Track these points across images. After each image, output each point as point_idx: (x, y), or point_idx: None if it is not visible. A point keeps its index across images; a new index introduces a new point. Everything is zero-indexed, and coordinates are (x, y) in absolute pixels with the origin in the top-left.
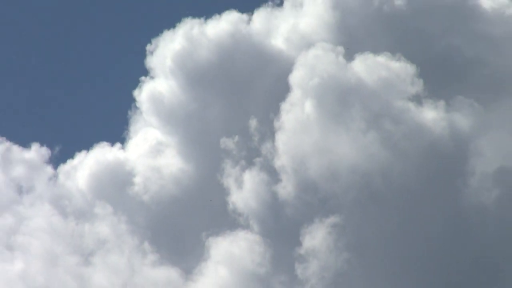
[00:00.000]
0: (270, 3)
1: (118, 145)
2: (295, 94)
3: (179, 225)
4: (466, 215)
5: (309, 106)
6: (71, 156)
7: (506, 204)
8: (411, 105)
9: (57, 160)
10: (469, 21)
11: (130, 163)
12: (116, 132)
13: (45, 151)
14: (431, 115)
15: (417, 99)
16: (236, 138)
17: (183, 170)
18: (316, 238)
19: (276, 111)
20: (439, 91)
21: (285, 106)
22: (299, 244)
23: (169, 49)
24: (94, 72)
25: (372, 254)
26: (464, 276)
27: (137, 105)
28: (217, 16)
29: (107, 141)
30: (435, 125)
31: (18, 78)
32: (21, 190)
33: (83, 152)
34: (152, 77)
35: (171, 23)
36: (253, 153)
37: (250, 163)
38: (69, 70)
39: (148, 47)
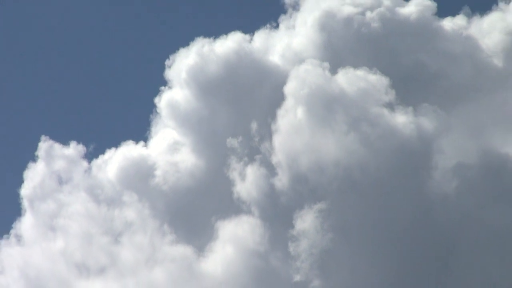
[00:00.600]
0: (268, 25)
1: (141, 143)
2: (289, 102)
3: (192, 210)
4: (430, 201)
5: (300, 112)
6: (102, 152)
7: (463, 193)
8: (385, 111)
9: (91, 156)
10: (433, 41)
11: (151, 159)
12: (140, 132)
13: (81, 148)
14: (401, 119)
15: (390, 106)
16: (240, 138)
17: (196, 165)
18: (306, 221)
19: (273, 116)
20: (408, 99)
21: (280, 112)
22: (292, 226)
23: (184, 63)
24: (122, 82)
25: (352, 234)
26: (428, 251)
27: (158, 110)
28: (224, 36)
29: (132, 139)
30: (405, 128)
31: (62, 86)
32: (61, 181)
33: (113, 149)
34: (170, 87)
35: (186, 42)
36: (254, 151)
37: (251, 160)
38: (103, 81)
39: (167, 62)
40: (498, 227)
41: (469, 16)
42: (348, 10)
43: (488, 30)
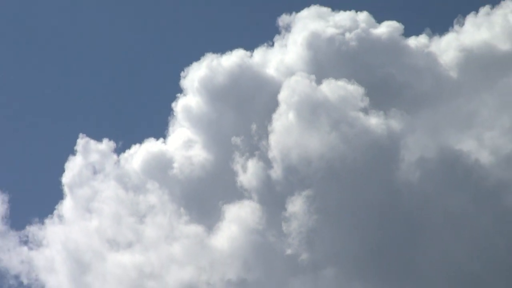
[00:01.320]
0: (265, 44)
1: (161, 140)
2: (282, 108)
3: (203, 196)
4: (397, 188)
5: (291, 116)
6: (129, 147)
7: (424, 181)
8: (361, 114)
9: (120, 150)
10: (400, 56)
11: (169, 153)
12: (160, 131)
13: (112, 144)
14: (374, 121)
15: (365, 110)
16: (242, 137)
17: (206, 159)
18: (296, 205)
19: (269, 119)
20: (379, 105)
21: (275, 116)
22: (285, 209)
23: (196, 75)
24: (146, 90)
25: (333, 215)
26: (396, 229)
27: (174, 113)
28: (229, 52)
29: (154, 137)
30: (377, 128)
31: (97, 93)
32: (95, 171)
33: (137, 145)
34: (184, 95)
35: (198, 57)
36: (254, 148)
37: (251, 155)
38: (130, 89)
39: (182, 73)
40: (453, 209)
41: (430, 36)
42: (330, 31)
43: (445, 48)
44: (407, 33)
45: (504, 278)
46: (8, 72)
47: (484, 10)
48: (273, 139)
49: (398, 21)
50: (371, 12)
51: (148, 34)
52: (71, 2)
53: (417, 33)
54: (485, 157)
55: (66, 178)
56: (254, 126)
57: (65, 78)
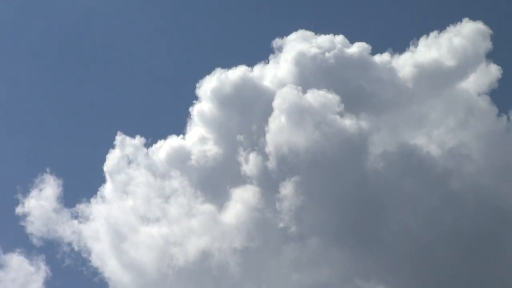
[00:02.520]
0: (262, 61)
1: (181, 136)
2: (275, 112)
3: (215, 182)
4: (366, 175)
5: (283, 119)
6: (155, 142)
7: (387, 170)
8: (337, 117)
9: (148, 145)
10: (368, 71)
11: (188, 148)
12: (180, 130)
13: (142, 140)
14: (348, 122)
15: (340, 114)
16: (244, 135)
17: (217, 152)
18: (287, 188)
19: (266, 122)
20: (352, 110)
21: (270, 119)
22: (278, 192)
23: (208, 85)
24: (170, 97)
25: (315, 197)
26: (365, 209)
27: (191, 116)
28: (235, 68)
29: (175, 134)
30: (350, 128)
31: (132, 99)
32: (129, 161)
33: (162, 140)
34: (199, 101)
35: (210, 71)
36: (254, 144)
37: (252, 150)
38: (157, 97)
39: (197, 84)
40: (409, 191)
41: (392, 54)
42: (314, 51)
43: (403, 64)
44: (373, 52)
45: (450, 245)
46: (60, 80)
47: (433, 34)
48: (269, 137)
49: (367, 42)
50: (345, 35)
51: (172, 53)
52: (112, 14)
53: (381, 52)
54: (433, 150)
55: (107, 167)
56: (254, 127)
57: (108, 87)
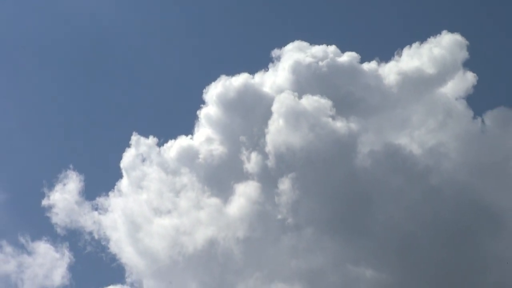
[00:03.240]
0: (263, 69)
1: (190, 137)
2: (274, 116)
3: (220, 178)
4: (356, 171)
5: (281, 122)
6: (167, 142)
7: (374, 166)
8: (330, 120)
9: (161, 144)
10: (357, 78)
11: (196, 147)
12: (189, 131)
13: (155, 139)
14: (339, 124)
15: (332, 117)
16: (247, 136)
17: (222, 151)
18: (285, 184)
19: (266, 124)
20: (343, 113)
21: (270, 122)
22: (277, 187)
23: (214, 91)
24: (181, 102)
25: (310, 192)
26: (355, 200)
27: (199, 118)
28: (238, 75)
29: (185, 135)
30: (341, 129)
31: (146, 102)
32: (143, 159)
33: (173, 140)
34: (206, 105)
35: (215, 78)
36: (255, 144)
37: (253, 149)
38: (169, 102)
39: (204, 90)
40: (394, 186)
41: (379, 63)
42: (308, 60)
43: (388, 72)
44: (362, 61)
45: (430, 235)
46: (83, 88)
47: (415, 45)
48: (268, 138)
49: (356, 52)
50: (337, 45)
51: (182, 62)
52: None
53: (369, 60)
54: (415, 149)
55: (123, 164)
56: (255, 129)
57: (125, 93)
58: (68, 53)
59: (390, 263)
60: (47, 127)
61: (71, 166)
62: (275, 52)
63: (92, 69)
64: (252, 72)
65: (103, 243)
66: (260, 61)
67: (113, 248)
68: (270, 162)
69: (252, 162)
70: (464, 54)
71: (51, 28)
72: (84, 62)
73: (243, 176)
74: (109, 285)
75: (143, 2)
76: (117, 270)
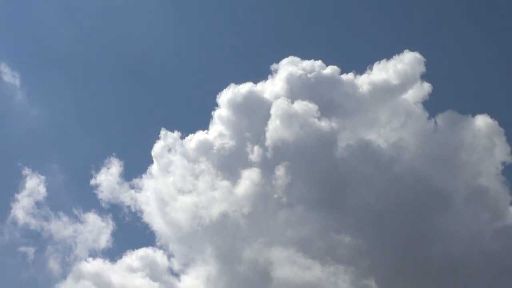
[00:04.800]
0: (264, 80)
1: (206, 132)
2: (272, 117)
3: (230, 166)
4: (336, 161)
5: (277, 122)
6: (187, 136)
7: (349, 158)
8: (316, 120)
9: (183, 137)
10: (338, 87)
11: (210, 141)
12: (205, 127)
13: (179, 134)
14: (323, 124)
15: (318, 118)
16: (251, 133)
17: (232, 145)
18: (280, 171)
19: (266, 124)
20: (326, 115)
21: (269, 122)
22: (274, 173)
23: (225, 96)
24: (199, 105)
25: (300, 176)
26: (335, 186)
27: (213, 118)
28: (244, 84)
29: (202, 130)
30: (324, 128)
31: (174, 103)
32: (169, 149)
33: (192, 134)
34: (219, 108)
35: (226, 85)
36: (257, 140)
37: (256, 143)
38: (189, 105)
39: (218, 96)
40: (366, 173)
41: (355, 75)
42: (299, 72)
43: (362, 83)
44: (341, 73)
45: (394, 212)
46: (125, 91)
47: (383, 61)
48: (268, 134)
49: (337, 66)
50: (322, 60)
51: (201, 73)
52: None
53: (347, 73)
54: (382, 143)
55: (154, 153)
56: (257, 127)
57: (157, 97)
58: (113, 65)
59: (363, 232)
60: (96, 124)
61: (114, 154)
62: (273, 66)
63: (132, 79)
64: (255, 81)
65: (138, 215)
66: (261, 73)
67: (146, 218)
68: (269, 153)
69: (254, 153)
70: (421, 68)
71: (94, 37)
72: (125, 73)
73: (248, 164)
74: (143, 247)
75: (174, 25)
76: (149, 236)
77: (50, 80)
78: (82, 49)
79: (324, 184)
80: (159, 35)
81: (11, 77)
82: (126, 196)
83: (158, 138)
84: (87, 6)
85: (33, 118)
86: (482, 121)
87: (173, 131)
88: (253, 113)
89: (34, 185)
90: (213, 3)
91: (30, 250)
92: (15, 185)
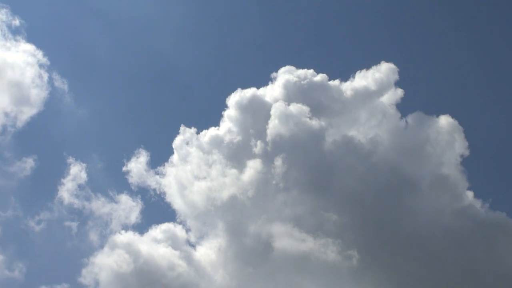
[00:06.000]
0: (265, 86)
1: (217, 128)
2: (272, 117)
3: (238, 157)
4: (324, 153)
5: (276, 121)
6: (202, 131)
7: (335, 150)
8: (308, 120)
9: (198, 132)
10: (326, 91)
11: (221, 135)
12: (217, 124)
13: (195, 129)
14: (314, 123)
15: (309, 117)
16: (255, 130)
17: (238, 139)
18: (278, 161)
19: (267, 122)
20: (317, 116)
21: (269, 121)
22: (273, 163)
23: (233, 99)
24: (211, 106)
25: (293, 165)
26: (322, 169)
27: (224, 117)
28: (249, 89)
29: (214, 127)
30: (315, 126)
31: (191, 104)
32: (187, 142)
33: (206, 130)
34: (228, 108)
35: (234, 90)
36: (260, 135)
37: (259, 138)
38: (204, 106)
39: (227, 99)
40: (349, 164)
41: (340, 82)
42: (294, 79)
43: (346, 88)
44: (329, 80)
45: (372, 194)
46: (150, 93)
47: (363, 71)
48: (268, 131)
49: (326, 74)
50: (314, 69)
51: (214, 81)
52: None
53: (334, 80)
54: (362, 138)
55: (175, 145)
56: (259, 125)
57: (178, 99)
58: (143, 73)
59: (347, 210)
60: (128, 121)
61: (142, 146)
62: (273, 74)
63: (158, 85)
64: (258, 87)
65: (161, 196)
66: (263, 80)
67: (168, 199)
68: (269, 147)
69: (258, 147)
70: (395, 77)
71: (128, 49)
72: (152, 80)
73: (252, 155)
74: (165, 222)
75: (193, 41)
76: (170, 214)
77: (92, 85)
78: (118, 60)
79: (314, 171)
80: (181, 50)
81: (61, 83)
82: (152, 181)
83: (178, 133)
84: (123, 24)
85: (77, 117)
86: (444, 121)
87: (190, 128)
88: (256, 113)
89: (77, 171)
90: (225, 25)
91: (74, 225)
92: (61, 171)
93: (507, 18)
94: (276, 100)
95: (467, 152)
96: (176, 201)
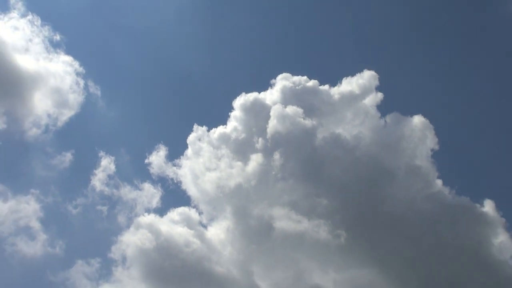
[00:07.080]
0: (265, 90)
1: (225, 127)
2: (271, 118)
3: (243, 151)
4: (316, 148)
5: (275, 121)
6: (211, 129)
7: (325, 145)
8: (302, 119)
9: (209, 130)
10: (317, 95)
11: (228, 133)
12: (224, 123)
13: (206, 128)
14: (307, 122)
15: (303, 118)
16: (257, 128)
17: (243, 137)
18: (277, 155)
19: (267, 122)
20: (309, 116)
21: (269, 121)
22: (273, 157)
23: (238, 102)
24: (220, 107)
25: (290, 159)
26: (314, 161)
27: (230, 117)
28: (251, 93)
29: (222, 125)
30: (308, 125)
31: (203, 107)
32: (199, 138)
33: (215, 128)
34: (234, 110)
35: (239, 94)
36: (261, 133)
37: (260, 136)
38: (213, 108)
39: (233, 102)
40: (336, 157)
41: (329, 86)
42: (290, 85)
43: (334, 93)
44: (320, 85)
45: (354, 181)
46: (163, 99)
47: (349, 77)
48: (268, 130)
49: (317, 80)
50: (307, 76)
51: (221, 86)
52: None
53: (324, 84)
54: (347, 135)
55: (189, 141)
56: (261, 124)
57: (192, 102)
58: (163, 79)
59: (335, 196)
60: (150, 121)
61: (161, 141)
62: (272, 80)
63: (175, 89)
64: (260, 91)
65: (178, 184)
66: (264, 86)
67: (184, 187)
68: (269, 143)
69: (259, 143)
70: (376, 82)
71: (150, 59)
72: (170, 85)
73: (254, 150)
74: (182, 206)
75: (205, 51)
76: (186, 199)
77: (120, 91)
78: (142, 69)
79: (307, 163)
80: (195, 60)
81: (95, 89)
82: (170, 171)
83: (192, 131)
84: (146, 38)
85: (108, 118)
86: (417, 120)
87: (202, 126)
88: (258, 114)
89: (107, 163)
90: (233, 39)
91: (104, 209)
92: (93, 163)
93: (470, 27)
94: (275, 103)
95: (436, 147)
96: (191, 189)
